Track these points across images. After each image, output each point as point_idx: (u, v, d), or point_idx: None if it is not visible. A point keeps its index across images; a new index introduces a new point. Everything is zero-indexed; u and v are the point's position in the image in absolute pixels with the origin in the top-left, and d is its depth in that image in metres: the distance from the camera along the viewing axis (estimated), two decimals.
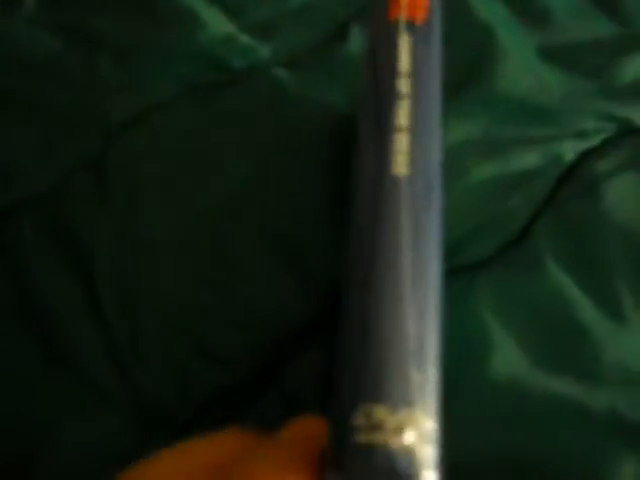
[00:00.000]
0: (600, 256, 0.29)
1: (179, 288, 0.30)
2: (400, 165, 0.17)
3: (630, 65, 0.36)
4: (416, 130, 0.17)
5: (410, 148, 0.17)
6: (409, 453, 0.14)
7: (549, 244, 0.29)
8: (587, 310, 0.27)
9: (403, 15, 0.18)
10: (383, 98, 0.17)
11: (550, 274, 0.28)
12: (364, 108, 0.17)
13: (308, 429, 0.17)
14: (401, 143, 0.17)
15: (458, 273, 0.29)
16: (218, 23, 0.39)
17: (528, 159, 0.32)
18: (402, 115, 0.17)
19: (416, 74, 0.17)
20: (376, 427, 0.14)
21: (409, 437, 0.14)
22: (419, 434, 0.14)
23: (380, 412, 0.15)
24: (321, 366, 0.28)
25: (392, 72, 0.17)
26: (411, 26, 0.18)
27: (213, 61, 0.37)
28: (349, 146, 0.29)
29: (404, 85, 0.16)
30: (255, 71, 0.37)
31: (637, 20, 0.40)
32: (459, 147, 0.32)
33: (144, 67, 0.38)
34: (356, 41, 0.38)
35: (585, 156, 0.32)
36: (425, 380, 0.15)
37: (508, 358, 0.27)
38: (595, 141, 0.33)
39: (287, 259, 0.30)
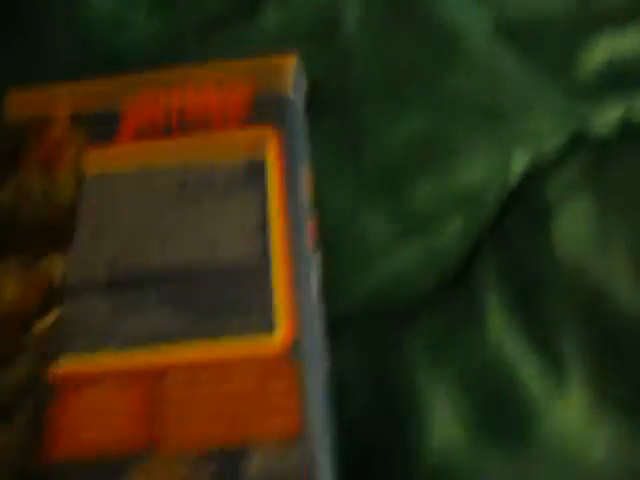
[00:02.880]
0: (545, 305, 0.26)
1: None
2: None
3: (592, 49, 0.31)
4: None
5: None
6: None
7: (491, 288, 0.26)
8: (529, 373, 0.24)
9: None
10: None
11: (491, 325, 0.25)
12: None
13: None
14: None
15: (388, 319, 0.26)
16: None
17: (473, 172, 0.28)
18: None
19: None
20: None
21: None
22: None
23: None
24: None
25: None
26: None
27: None
28: None
29: None
30: None
31: None
32: (400, 151, 0.27)
33: None
34: None
35: (536, 172, 0.28)
36: None
37: (443, 429, 0.24)
38: (547, 147, 0.29)
39: None
